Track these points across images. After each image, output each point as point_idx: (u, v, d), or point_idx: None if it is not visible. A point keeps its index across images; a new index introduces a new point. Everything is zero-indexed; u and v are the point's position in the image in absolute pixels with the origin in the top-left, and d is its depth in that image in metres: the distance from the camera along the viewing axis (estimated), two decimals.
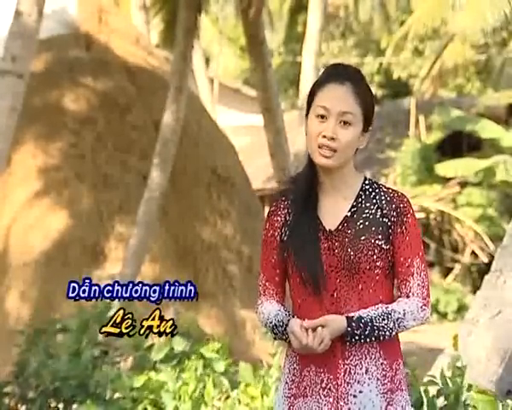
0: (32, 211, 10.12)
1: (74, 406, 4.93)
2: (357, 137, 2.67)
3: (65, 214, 10.07)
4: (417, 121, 21.30)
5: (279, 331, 2.70)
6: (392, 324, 2.62)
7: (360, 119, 2.66)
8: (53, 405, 5.04)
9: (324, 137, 2.64)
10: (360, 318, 2.60)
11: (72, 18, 12.13)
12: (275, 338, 2.76)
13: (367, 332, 2.59)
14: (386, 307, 2.63)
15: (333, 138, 2.63)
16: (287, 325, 2.65)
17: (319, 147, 2.64)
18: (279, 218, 2.76)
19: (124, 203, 10.32)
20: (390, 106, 24.50)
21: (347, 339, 2.60)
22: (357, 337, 2.59)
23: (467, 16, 16.95)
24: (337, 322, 2.58)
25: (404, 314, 2.64)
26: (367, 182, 2.75)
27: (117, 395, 4.83)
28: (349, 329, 2.59)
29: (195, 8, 9.22)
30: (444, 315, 17.45)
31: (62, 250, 9.83)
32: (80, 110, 10.87)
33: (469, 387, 3.73)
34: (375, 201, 2.71)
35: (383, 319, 2.61)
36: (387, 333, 2.62)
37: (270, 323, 2.72)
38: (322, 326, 2.57)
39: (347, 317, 2.60)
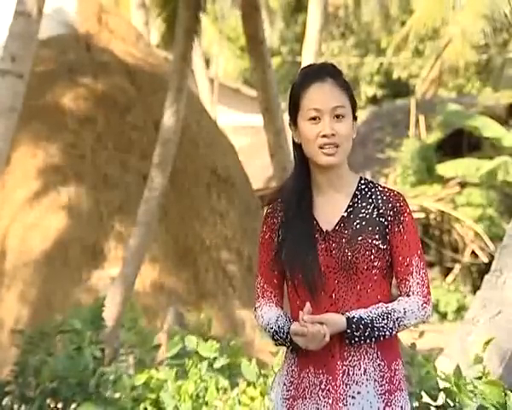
0: (32, 211, 10.12)
1: (74, 405, 4.92)
2: (352, 128, 2.69)
3: (65, 214, 10.07)
4: (417, 121, 21.28)
5: (280, 337, 2.68)
6: (391, 323, 2.61)
7: (349, 109, 2.69)
8: (52, 405, 5.04)
9: (324, 136, 2.64)
10: (360, 318, 2.59)
11: (72, 18, 12.14)
12: (275, 344, 2.74)
13: (367, 333, 2.59)
14: (387, 307, 2.62)
15: (333, 134, 2.64)
16: (288, 333, 2.64)
17: (321, 147, 2.65)
18: (275, 220, 2.76)
19: (124, 203, 10.33)
20: (390, 106, 24.42)
21: (347, 340, 2.59)
22: (356, 339, 2.59)
23: (467, 16, 16.96)
24: (337, 322, 2.57)
25: (405, 313, 2.63)
26: (363, 181, 2.75)
27: (117, 394, 4.82)
28: (348, 331, 2.58)
29: (195, 8, 9.22)
30: (444, 315, 17.44)
31: (62, 250, 9.83)
32: (80, 110, 10.87)
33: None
34: (371, 200, 2.71)
35: (383, 319, 2.60)
36: (387, 333, 2.61)
37: (271, 329, 2.71)
38: (322, 324, 2.55)
39: (347, 318, 2.58)
